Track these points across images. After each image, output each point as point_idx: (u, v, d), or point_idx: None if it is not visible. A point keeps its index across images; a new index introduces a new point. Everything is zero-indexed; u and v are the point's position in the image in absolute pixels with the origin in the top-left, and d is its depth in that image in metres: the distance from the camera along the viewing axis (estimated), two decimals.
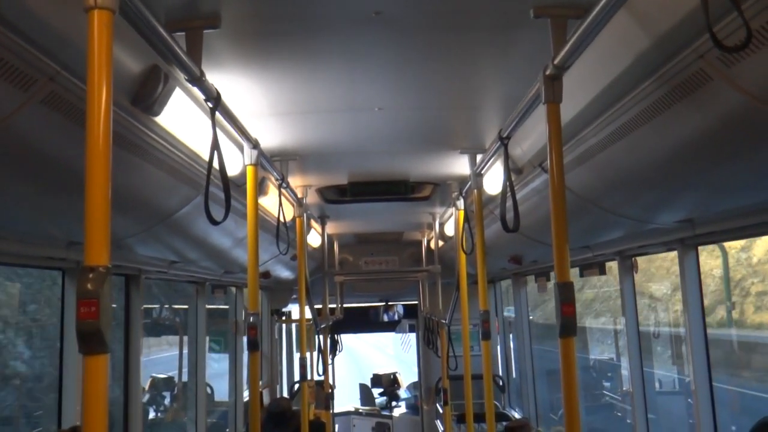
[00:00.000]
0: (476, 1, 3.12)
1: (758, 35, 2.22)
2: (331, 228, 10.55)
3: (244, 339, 10.38)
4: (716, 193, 3.93)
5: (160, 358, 14.55)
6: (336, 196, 7.69)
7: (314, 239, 10.21)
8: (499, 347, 12.64)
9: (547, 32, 3.08)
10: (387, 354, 40.08)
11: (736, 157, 3.17)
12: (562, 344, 3.04)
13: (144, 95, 3.36)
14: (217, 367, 11.57)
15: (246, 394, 10.50)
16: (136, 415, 6.25)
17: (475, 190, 5.67)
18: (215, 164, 3.30)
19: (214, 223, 3.28)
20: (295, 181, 6.96)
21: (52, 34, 2.59)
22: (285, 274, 10.64)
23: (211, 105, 3.39)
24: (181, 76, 3.35)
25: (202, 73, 3.12)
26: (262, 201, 6.57)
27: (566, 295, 2.99)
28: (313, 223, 9.38)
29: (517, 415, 11.34)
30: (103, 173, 2.01)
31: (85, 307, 1.94)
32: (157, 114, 3.56)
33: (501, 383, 11.74)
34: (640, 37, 2.90)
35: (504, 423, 10.45)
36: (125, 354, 6.38)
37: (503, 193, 4.34)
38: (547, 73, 3.09)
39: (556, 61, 2.98)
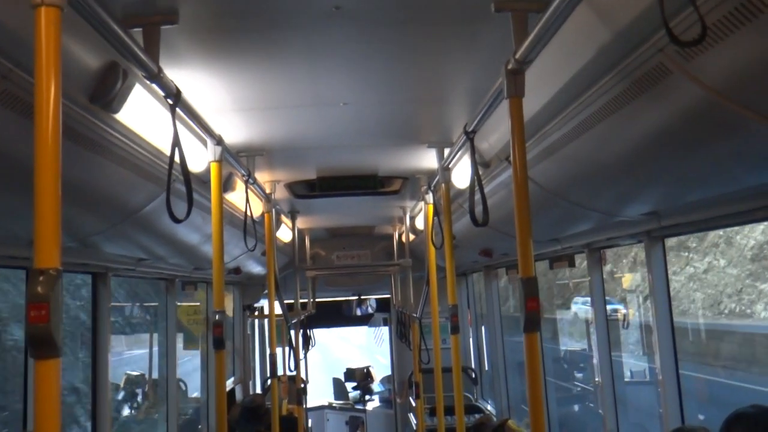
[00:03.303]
0: None
1: (715, 29, 2.22)
2: (302, 223, 10.51)
3: None
4: (680, 185, 3.95)
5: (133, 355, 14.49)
6: (305, 191, 7.65)
7: (286, 234, 10.17)
8: (471, 340, 12.67)
9: (508, 26, 3.07)
10: (361, 349, 40.07)
11: (697, 150, 3.18)
12: (527, 339, 3.04)
13: (102, 92, 3.31)
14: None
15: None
16: (105, 416, 6.19)
17: (443, 184, 5.66)
18: (177, 161, 3.27)
19: (176, 221, 3.24)
20: (263, 177, 6.91)
21: (3, 31, 2.54)
22: (257, 269, 10.59)
23: (171, 101, 3.35)
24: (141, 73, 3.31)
25: (160, 70, 3.07)
26: (231, 197, 6.53)
27: (530, 290, 2.99)
28: (283, 218, 9.33)
29: (489, 407, 11.38)
30: (53, 173, 1.97)
31: (36, 310, 1.90)
32: (116, 111, 3.51)
33: (473, 376, 11.77)
34: (601, 31, 2.90)
35: (476, 415, 10.50)
36: (93, 353, 6.31)
37: (471, 187, 4.34)
38: (509, 67, 3.07)
39: (517, 56, 2.97)
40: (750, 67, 2.34)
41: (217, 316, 4.43)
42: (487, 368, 12.08)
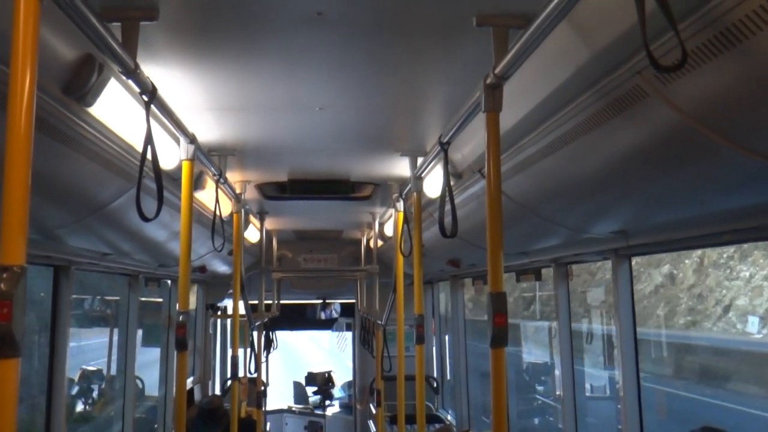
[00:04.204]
0: (419, 6, 3.10)
1: (693, 55, 2.24)
2: (270, 224, 10.46)
3: None
4: (649, 206, 3.98)
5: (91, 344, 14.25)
6: (275, 193, 7.62)
7: (253, 234, 10.12)
8: (434, 348, 12.68)
9: (489, 41, 3.08)
10: (331, 352, 39.90)
11: (668, 172, 3.22)
12: (493, 355, 3.04)
13: (76, 85, 3.26)
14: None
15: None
16: (60, 413, 6.09)
17: (415, 193, 5.66)
18: (149, 157, 3.24)
19: (146, 219, 3.21)
20: (234, 177, 6.88)
21: None
22: (222, 268, 10.52)
23: (146, 98, 3.31)
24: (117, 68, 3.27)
25: (137, 66, 3.04)
26: (200, 195, 6.48)
27: (499, 306, 2.99)
28: (252, 218, 9.28)
29: (449, 417, 11.39)
30: (23, 167, 1.93)
31: None
32: (90, 104, 3.46)
33: (435, 385, 11.78)
34: (581, 50, 2.92)
35: (437, 425, 10.52)
36: (51, 347, 6.22)
37: (442, 197, 4.34)
38: (488, 81, 3.08)
39: (496, 71, 2.98)
40: (724, 94, 2.36)
41: (180, 317, 4.38)
42: (448, 377, 12.10)
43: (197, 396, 11.73)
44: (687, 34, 2.18)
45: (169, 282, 10.17)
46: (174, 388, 10.11)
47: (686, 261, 17.54)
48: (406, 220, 6.25)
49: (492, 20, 3.02)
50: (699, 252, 16.34)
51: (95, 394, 11.17)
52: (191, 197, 4.45)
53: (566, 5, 2.27)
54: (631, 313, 5.49)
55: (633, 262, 5.34)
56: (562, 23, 2.47)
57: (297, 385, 18.28)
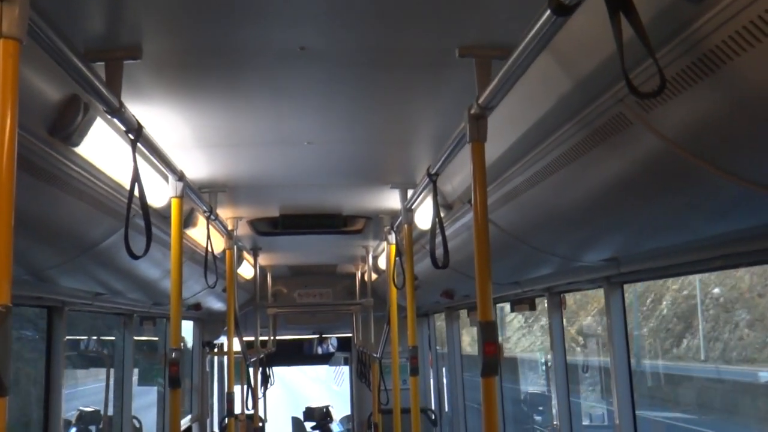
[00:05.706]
0: (401, 39, 3.13)
1: (674, 81, 2.25)
2: (264, 259, 10.44)
3: None
4: (638, 233, 3.99)
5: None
6: (268, 229, 7.61)
7: (247, 271, 10.09)
8: (432, 380, 12.61)
9: (472, 72, 3.11)
10: (321, 381, 39.75)
11: (654, 199, 3.22)
12: (484, 384, 3.04)
13: (62, 125, 3.27)
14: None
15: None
16: None
17: (406, 225, 5.67)
18: (137, 195, 3.25)
19: (134, 257, 3.22)
20: (225, 213, 6.88)
21: None
22: (217, 305, 10.48)
23: (132, 136, 3.32)
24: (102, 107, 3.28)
25: (122, 104, 3.05)
26: (192, 232, 6.48)
27: (489, 335, 3.00)
28: (245, 254, 9.27)
29: None
30: (6, 208, 1.93)
31: None
32: (76, 144, 3.46)
33: (433, 417, 11.69)
34: (563, 79, 2.94)
35: None
36: (46, 388, 6.17)
37: (432, 229, 4.35)
38: (472, 112, 3.10)
39: (480, 101, 3.00)
40: (706, 119, 2.37)
41: (173, 354, 4.36)
42: (447, 409, 12.02)
43: None
44: (666, 60, 2.18)
45: (165, 320, 10.11)
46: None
47: None
48: (398, 253, 6.25)
49: (474, 51, 3.05)
50: None
51: None
52: (181, 234, 4.45)
53: (545, 34, 2.29)
54: (624, 341, 5.46)
55: None
56: (543, 53, 2.48)
57: (295, 421, 18.10)
